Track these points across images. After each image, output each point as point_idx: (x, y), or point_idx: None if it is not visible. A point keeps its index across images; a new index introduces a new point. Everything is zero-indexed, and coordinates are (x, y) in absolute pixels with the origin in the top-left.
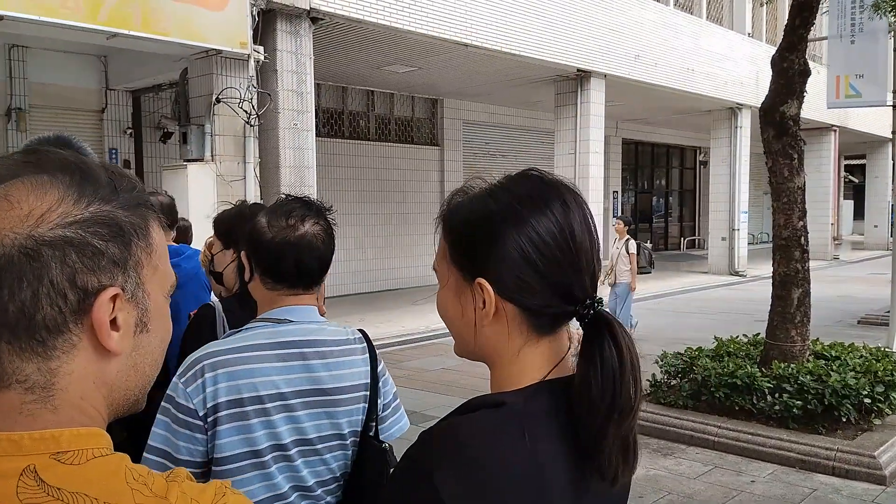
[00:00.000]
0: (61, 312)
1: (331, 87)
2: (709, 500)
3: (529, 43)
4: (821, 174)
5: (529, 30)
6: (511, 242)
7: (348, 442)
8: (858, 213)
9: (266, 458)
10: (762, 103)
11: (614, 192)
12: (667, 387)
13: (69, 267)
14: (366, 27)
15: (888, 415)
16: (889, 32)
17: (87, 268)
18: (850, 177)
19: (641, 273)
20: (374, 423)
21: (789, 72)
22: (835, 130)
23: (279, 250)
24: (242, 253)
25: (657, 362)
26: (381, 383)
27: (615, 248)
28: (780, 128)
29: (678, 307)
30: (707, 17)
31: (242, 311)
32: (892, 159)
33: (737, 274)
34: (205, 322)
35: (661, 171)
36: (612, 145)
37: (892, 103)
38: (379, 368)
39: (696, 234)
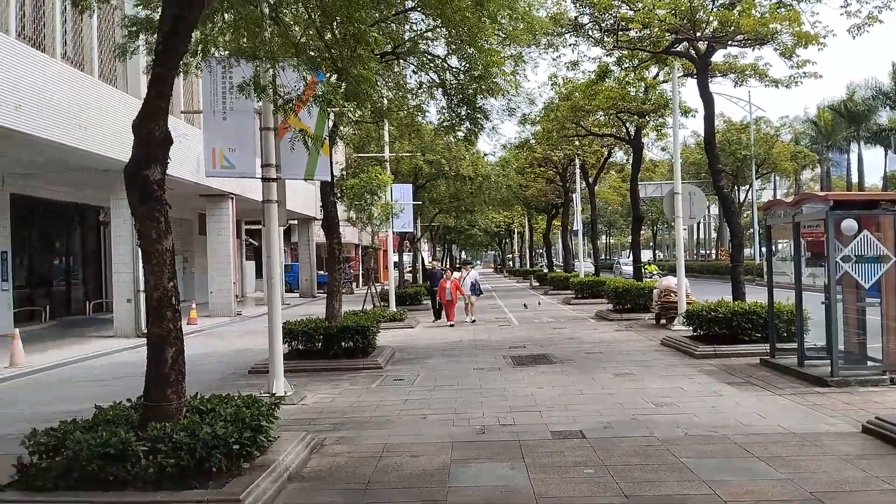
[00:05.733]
0: None
1: None
2: None
3: None
4: (221, 237)
5: None
6: None
7: None
8: (260, 273)
9: None
10: (126, 167)
11: (3, 252)
12: (37, 469)
13: None
14: None
15: (257, 456)
16: (256, 113)
17: None
18: (250, 240)
19: None
20: None
21: (150, 138)
22: (232, 198)
23: None
24: None
25: (23, 443)
26: None
27: None
28: (145, 192)
29: (75, 376)
30: (100, 77)
31: None
32: (264, 224)
33: (143, 335)
34: None
35: (62, 230)
36: None
37: (260, 176)
38: None
39: (104, 296)
